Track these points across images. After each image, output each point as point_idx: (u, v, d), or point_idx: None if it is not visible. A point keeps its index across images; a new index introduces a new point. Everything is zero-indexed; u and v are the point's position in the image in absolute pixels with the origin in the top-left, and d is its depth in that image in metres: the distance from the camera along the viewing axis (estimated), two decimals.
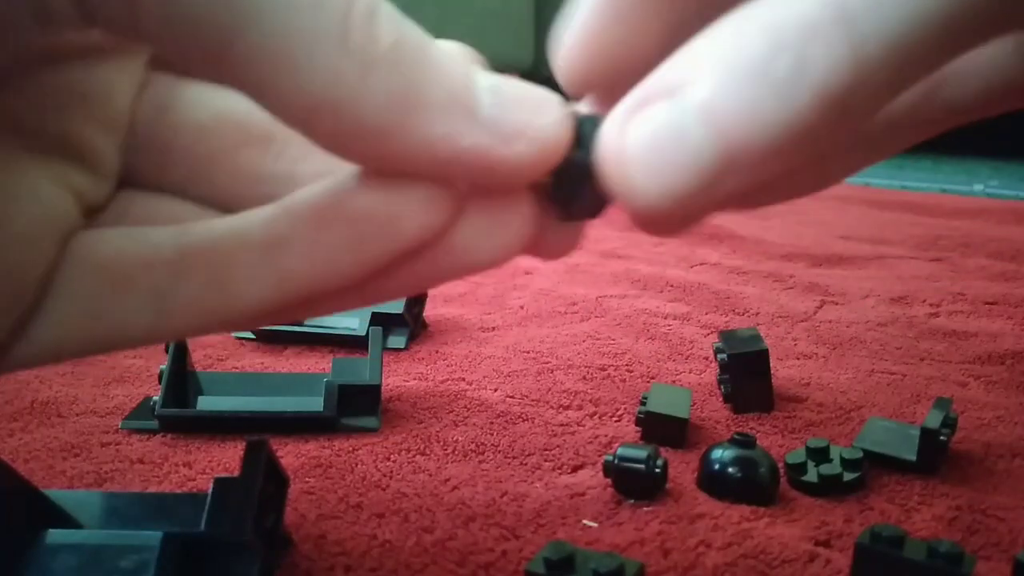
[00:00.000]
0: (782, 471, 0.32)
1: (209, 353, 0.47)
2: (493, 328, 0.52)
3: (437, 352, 0.47)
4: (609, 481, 0.31)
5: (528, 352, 0.47)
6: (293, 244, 0.15)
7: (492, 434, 0.36)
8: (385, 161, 0.14)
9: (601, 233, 0.83)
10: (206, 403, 0.39)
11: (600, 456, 0.34)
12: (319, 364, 0.46)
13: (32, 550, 0.24)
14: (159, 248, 0.16)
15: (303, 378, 0.41)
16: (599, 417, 0.38)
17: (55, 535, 0.24)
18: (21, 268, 0.15)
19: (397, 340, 0.48)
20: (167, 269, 0.16)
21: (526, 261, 0.71)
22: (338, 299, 0.17)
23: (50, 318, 0.16)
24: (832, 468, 0.31)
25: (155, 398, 0.36)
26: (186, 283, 0.16)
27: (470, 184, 0.15)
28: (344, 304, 0.17)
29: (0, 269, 0.15)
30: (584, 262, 0.71)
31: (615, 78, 0.16)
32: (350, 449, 0.34)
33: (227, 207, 0.19)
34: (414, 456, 0.34)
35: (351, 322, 0.50)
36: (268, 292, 0.16)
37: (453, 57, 0.14)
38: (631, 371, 0.44)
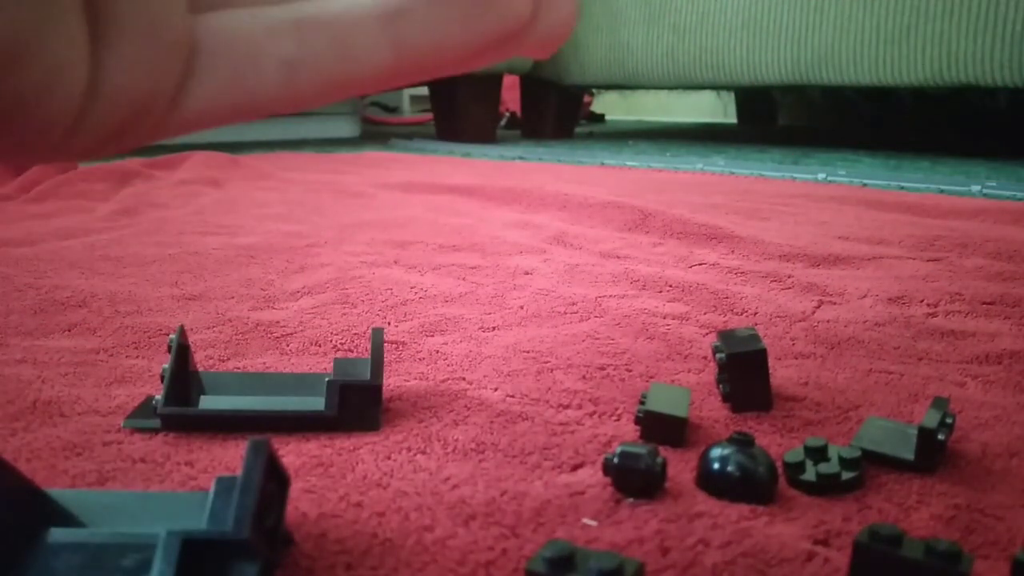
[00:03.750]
0: (780, 470, 0.32)
1: (211, 353, 0.47)
2: (493, 328, 0.52)
3: (437, 352, 0.47)
4: (608, 480, 0.31)
5: (528, 352, 0.47)
6: (412, 15, 0.19)
7: (492, 433, 0.36)
8: None
9: (601, 234, 0.83)
10: (208, 402, 0.39)
11: (599, 455, 0.34)
12: (320, 364, 0.46)
13: (34, 549, 0.24)
14: (281, 21, 0.18)
15: (304, 378, 0.41)
16: (598, 416, 0.38)
17: (57, 534, 0.24)
18: (174, 43, 0.17)
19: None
20: (291, 39, 0.18)
21: (526, 262, 0.71)
22: (442, 72, 0.20)
23: (197, 89, 0.18)
24: (830, 467, 0.31)
25: (157, 397, 0.36)
26: (310, 52, 0.18)
27: None
28: (447, 72, 0.20)
29: (157, 46, 0.17)
30: (584, 262, 0.71)
31: None
32: (351, 448, 0.34)
33: None
34: (414, 455, 0.34)
35: None
36: (387, 59, 0.19)
37: None
38: (630, 371, 0.44)
